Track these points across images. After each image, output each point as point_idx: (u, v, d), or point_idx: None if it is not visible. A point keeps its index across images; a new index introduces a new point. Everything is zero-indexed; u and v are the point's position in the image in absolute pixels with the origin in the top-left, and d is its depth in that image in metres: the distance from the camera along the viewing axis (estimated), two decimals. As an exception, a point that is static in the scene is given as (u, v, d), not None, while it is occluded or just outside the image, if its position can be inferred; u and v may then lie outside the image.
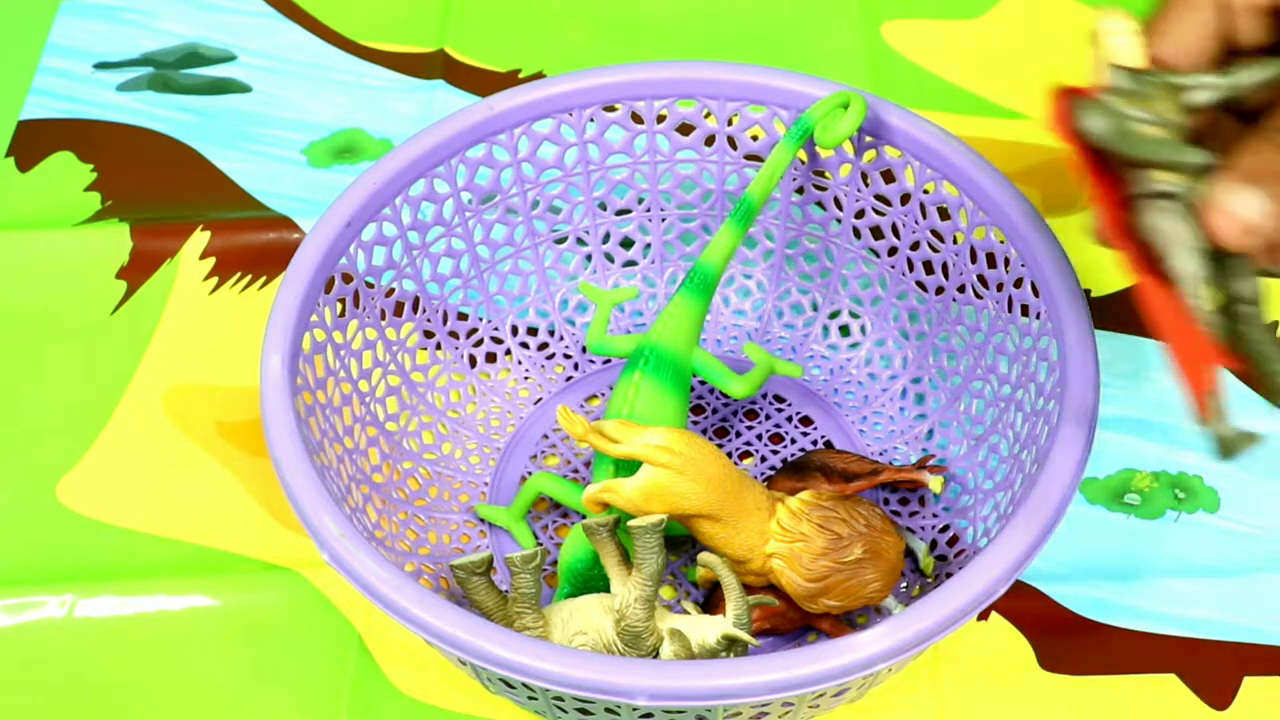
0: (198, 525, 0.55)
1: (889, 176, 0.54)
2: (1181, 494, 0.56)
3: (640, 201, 0.58)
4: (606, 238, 0.59)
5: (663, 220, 0.59)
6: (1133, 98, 0.38)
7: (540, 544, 0.54)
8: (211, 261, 0.63)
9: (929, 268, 0.55)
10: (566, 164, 0.56)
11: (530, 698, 0.45)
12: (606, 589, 0.49)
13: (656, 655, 0.46)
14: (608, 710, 0.43)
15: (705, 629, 0.46)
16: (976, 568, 0.42)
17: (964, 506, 0.52)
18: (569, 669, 0.40)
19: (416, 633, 0.41)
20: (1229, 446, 0.38)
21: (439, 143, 0.53)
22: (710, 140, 0.56)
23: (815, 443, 0.57)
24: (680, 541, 0.53)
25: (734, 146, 0.56)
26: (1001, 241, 0.50)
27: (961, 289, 0.54)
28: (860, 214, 0.56)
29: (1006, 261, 0.51)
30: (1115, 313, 0.61)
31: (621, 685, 0.39)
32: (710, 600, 0.52)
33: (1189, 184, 0.38)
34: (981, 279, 0.52)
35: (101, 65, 0.71)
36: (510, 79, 0.70)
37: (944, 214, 0.53)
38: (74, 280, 0.62)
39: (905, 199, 0.54)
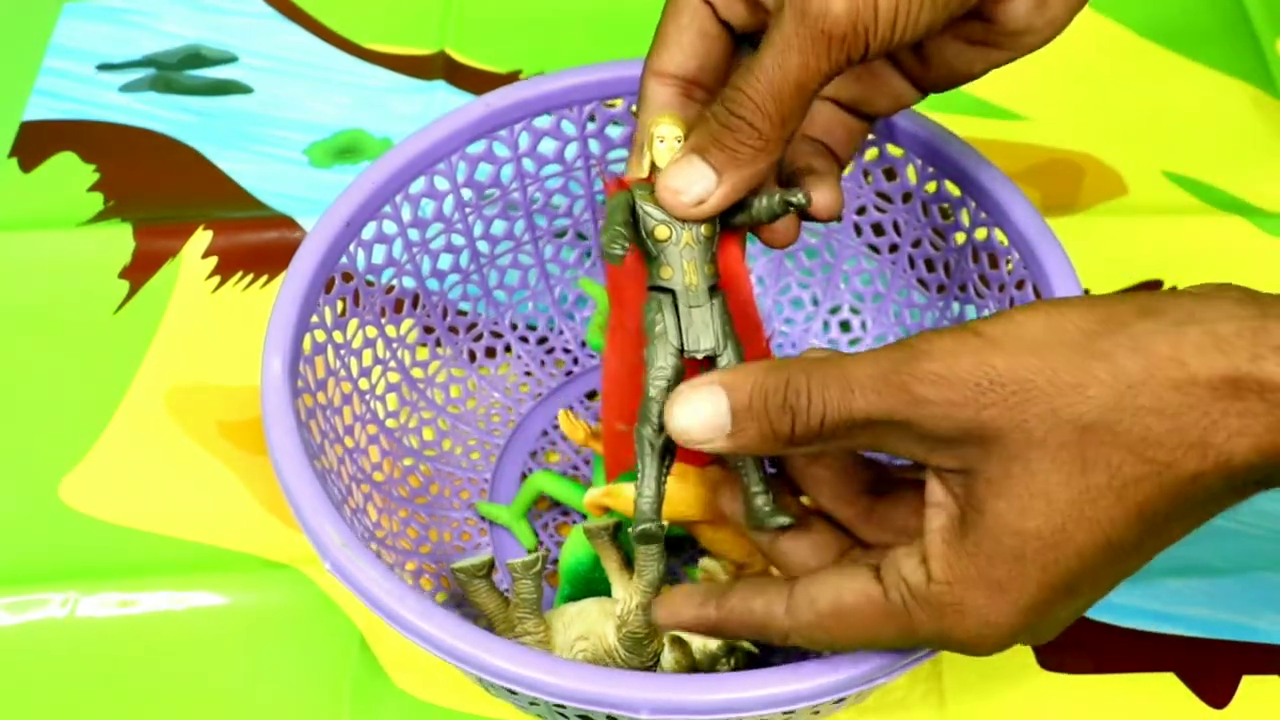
0: (199, 524, 0.55)
1: (890, 174, 0.54)
2: (1181, 493, 0.56)
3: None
4: (607, 237, 0.59)
5: (663, 220, 0.59)
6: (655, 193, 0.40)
7: (541, 542, 0.54)
8: (213, 261, 0.63)
9: (930, 266, 0.55)
10: (567, 159, 0.56)
11: (532, 703, 0.45)
12: (607, 590, 0.49)
13: (657, 660, 0.46)
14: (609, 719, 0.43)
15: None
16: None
17: (964, 505, 0.52)
18: (572, 683, 0.40)
19: (419, 644, 0.41)
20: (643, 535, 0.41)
21: (439, 140, 0.53)
22: None
23: (815, 442, 0.57)
24: (682, 545, 0.53)
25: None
26: (1003, 242, 0.50)
27: (963, 288, 0.54)
28: (861, 210, 0.56)
29: (1008, 262, 0.51)
30: (1115, 312, 0.61)
31: (625, 699, 0.39)
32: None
33: (693, 288, 0.40)
34: (983, 279, 0.52)
35: (104, 66, 0.71)
36: (511, 79, 0.70)
37: (946, 213, 0.53)
38: (76, 280, 0.63)
39: (907, 197, 0.54)
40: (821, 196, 0.42)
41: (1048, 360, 0.33)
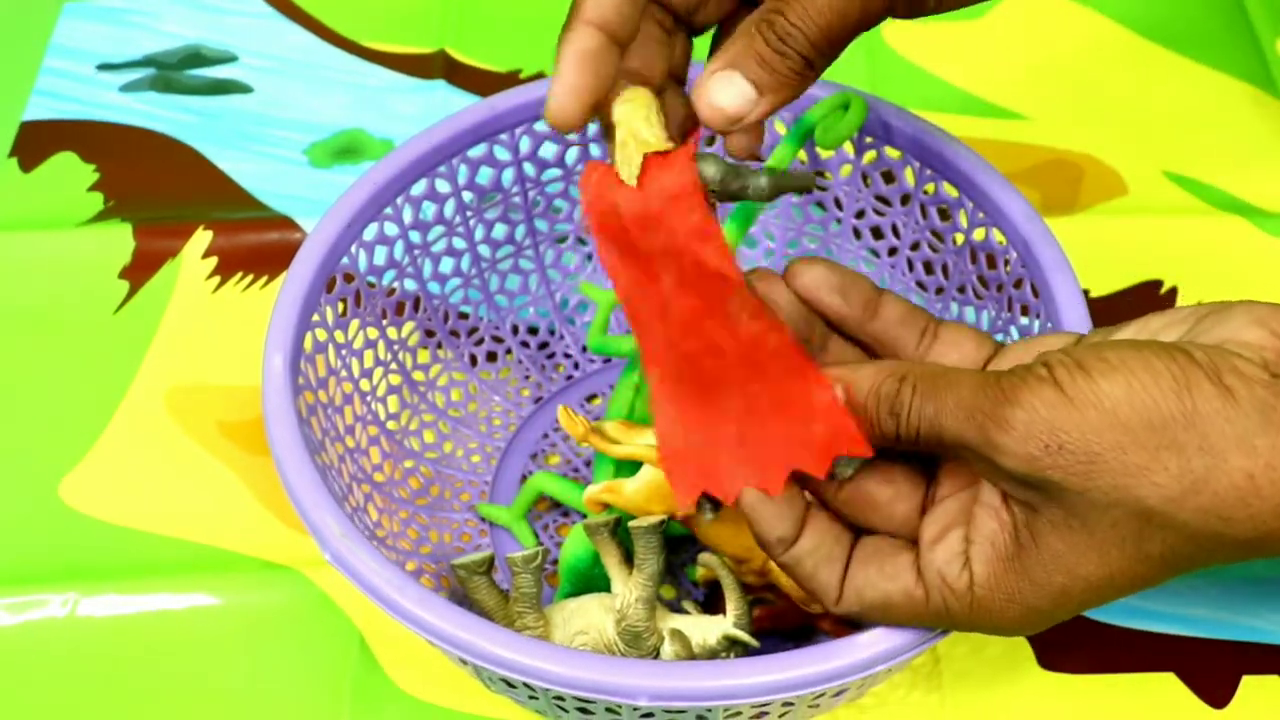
0: (200, 524, 0.55)
1: (889, 177, 0.54)
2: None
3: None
4: (607, 238, 0.59)
5: (663, 220, 0.59)
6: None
7: (541, 543, 0.54)
8: (214, 261, 0.63)
9: (929, 268, 0.55)
10: (568, 163, 0.56)
11: (531, 697, 0.45)
12: (607, 588, 0.49)
13: (657, 655, 0.46)
14: (608, 710, 0.43)
15: (706, 629, 0.46)
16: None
17: (964, 506, 0.52)
18: (570, 670, 0.40)
19: (418, 633, 0.41)
20: None
21: (440, 142, 0.53)
22: (711, 140, 0.56)
23: (815, 442, 0.57)
24: (681, 541, 0.54)
25: (734, 147, 0.56)
26: (1002, 243, 0.50)
27: (962, 289, 0.54)
28: (860, 214, 0.56)
29: (1006, 262, 0.51)
30: (1115, 313, 0.61)
31: (623, 686, 0.40)
32: (710, 600, 0.52)
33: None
34: (981, 279, 0.52)
35: (104, 66, 0.71)
36: (511, 79, 0.70)
37: (944, 214, 0.53)
38: (76, 280, 0.63)
39: (905, 199, 0.54)
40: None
41: (1119, 438, 0.34)
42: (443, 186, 0.54)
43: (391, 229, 0.53)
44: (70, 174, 0.67)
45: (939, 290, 0.55)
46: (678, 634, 0.46)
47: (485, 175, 0.55)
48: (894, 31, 0.72)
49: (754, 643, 0.46)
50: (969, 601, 0.37)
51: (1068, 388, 0.34)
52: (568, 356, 0.60)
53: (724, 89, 0.39)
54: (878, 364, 0.38)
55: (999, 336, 0.52)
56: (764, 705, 0.43)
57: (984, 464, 0.36)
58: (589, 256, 0.60)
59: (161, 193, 0.66)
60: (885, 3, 0.39)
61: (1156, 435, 0.34)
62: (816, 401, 0.38)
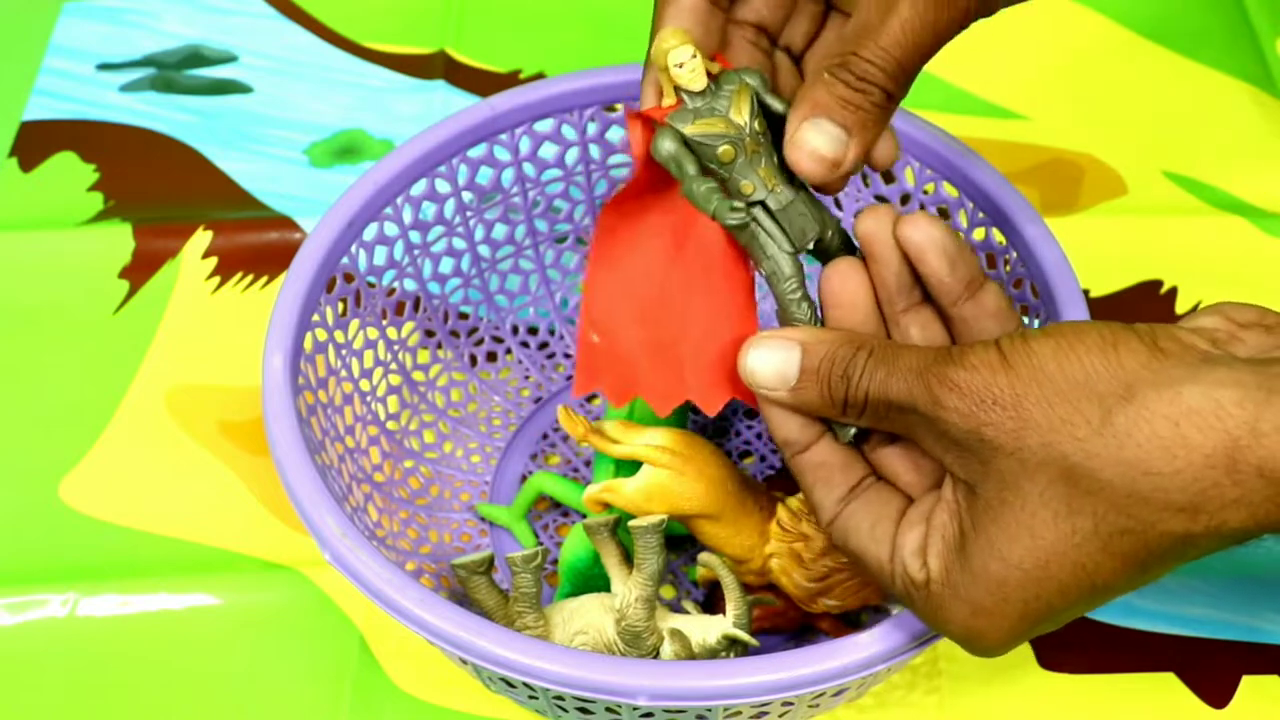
0: (200, 524, 0.55)
1: (889, 177, 0.54)
2: (1181, 494, 0.56)
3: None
4: (607, 238, 0.59)
5: (663, 220, 0.59)
6: (699, 116, 0.40)
7: (541, 543, 0.54)
8: (213, 261, 0.63)
9: (929, 268, 0.55)
10: (567, 163, 0.56)
11: (531, 697, 0.45)
12: (607, 588, 0.49)
13: (657, 655, 0.46)
14: (608, 710, 0.43)
15: (705, 629, 0.46)
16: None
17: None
18: (570, 669, 0.40)
19: (418, 632, 0.41)
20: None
21: (440, 142, 0.53)
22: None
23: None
24: (681, 541, 0.54)
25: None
26: (1001, 242, 0.50)
27: (961, 289, 0.54)
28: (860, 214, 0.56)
29: (1006, 262, 0.51)
30: (1115, 313, 0.61)
31: (622, 685, 0.40)
32: (710, 600, 0.52)
33: (776, 190, 0.41)
34: (981, 279, 0.52)
35: (104, 66, 0.71)
36: (511, 79, 0.70)
37: (944, 214, 0.53)
38: (76, 280, 0.63)
39: (905, 199, 0.54)
40: (879, 147, 0.42)
41: (1047, 392, 0.34)
42: (443, 186, 0.54)
43: (391, 229, 0.53)
44: (70, 174, 0.67)
45: (939, 290, 0.55)
46: (678, 634, 0.46)
47: (485, 175, 0.55)
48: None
49: (754, 642, 0.46)
50: (925, 596, 0.38)
51: (1008, 353, 0.35)
52: (568, 356, 0.60)
53: (817, 136, 0.39)
54: (836, 331, 0.39)
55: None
56: (764, 705, 0.43)
57: (930, 433, 0.36)
58: (588, 257, 0.60)
59: (161, 193, 0.66)
60: (958, 22, 0.39)
61: (1079, 388, 0.34)
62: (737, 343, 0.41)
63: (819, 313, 0.41)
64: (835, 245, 0.42)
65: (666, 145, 0.40)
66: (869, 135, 0.40)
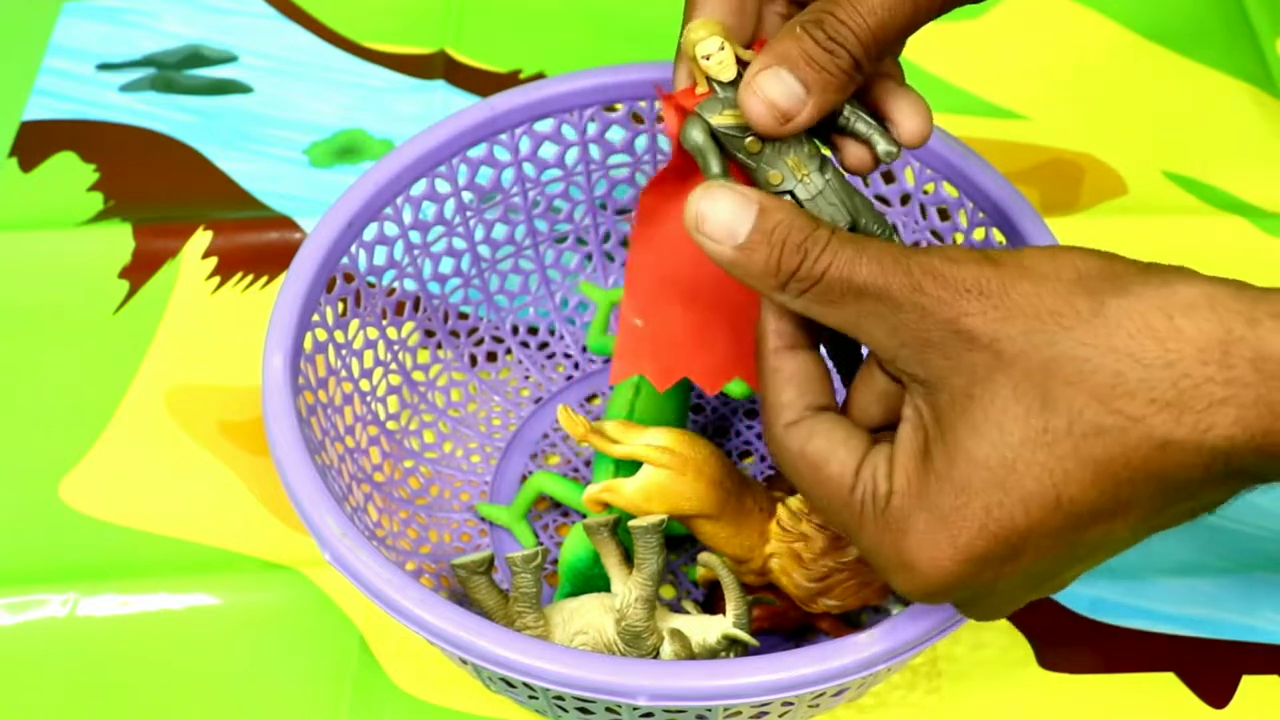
0: (200, 524, 0.55)
1: (889, 177, 0.54)
2: (1181, 494, 0.56)
3: (641, 202, 0.58)
4: (607, 237, 0.59)
5: (663, 220, 0.59)
6: (727, 106, 0.40)
7: (541, 543, 0.54)
8: (214, 261, 0.63)
9: (929, 268, 0.55)
10: (567, 164, 0.56)
11: (531, 697, 0.45)
12: (607, 588, 0.49)
13: (657, 655, 0.46)
14: (608, 710, 0.43)
15: (705, 629, 0.46)
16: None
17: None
18: (569, 669, 0.40)
19: (418, 632, 0.41)
20: None
21: (440, 142, 0.53)
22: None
23: (815, 442, 0.57)
24: (680, 541, 0.54)
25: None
26: (1001, 243, 0.50)
27: (961, 289, 0.54)
28: (860, 214, 0.56)
29: (1006, 262, 0.51)
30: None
31: (622, 685, 0.40)
32: (710, 600, 0.52)
33: (806, 179, 0.40)
34: (981, 279, 0.52)
35: (104, 66, 0.71)
36: (511, 79, 0.70)
37: (944, 214, 0.53)
38: (76, 280, 0.63)
39: (905, 199, 0.54)
40: (911, 122, 0.41)
41: (1037, 286, 0.33)
42: (443, 186, 0.54)
43: (391, 229, 0.53)
44: (70, 174, 0.67)
45: (939, 290, 0.55)
46: (678, 634, 0.46)
47: (485, 175, 0.55)
48: (894, 31, 0.72)
49: (754, 642, 0.46)
50: (883, 512, 0.35)
51: (995, 256, 0.34)
52: (568, 357, 0.60)
53: (775, 85, 0.38)
54: (799, 208, 0.37)
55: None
56: (764, 705, 0.43)
57: (884, 326, 0.34)
58: (588, 257, 0.60)
59: (161, 193, 0.66)
60: (938, 5, 0.39)
61: (1071, 284, 0.33)
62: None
63: None
64: (871, 232, 0.41)
65: (694, 136, 0.40)
66: (828, 98, 0.38)
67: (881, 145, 0.41)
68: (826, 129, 0.41)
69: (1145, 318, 0.32)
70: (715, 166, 0.40)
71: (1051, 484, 0.33)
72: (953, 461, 0.34)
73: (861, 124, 0.41)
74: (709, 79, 0.40)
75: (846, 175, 0.42)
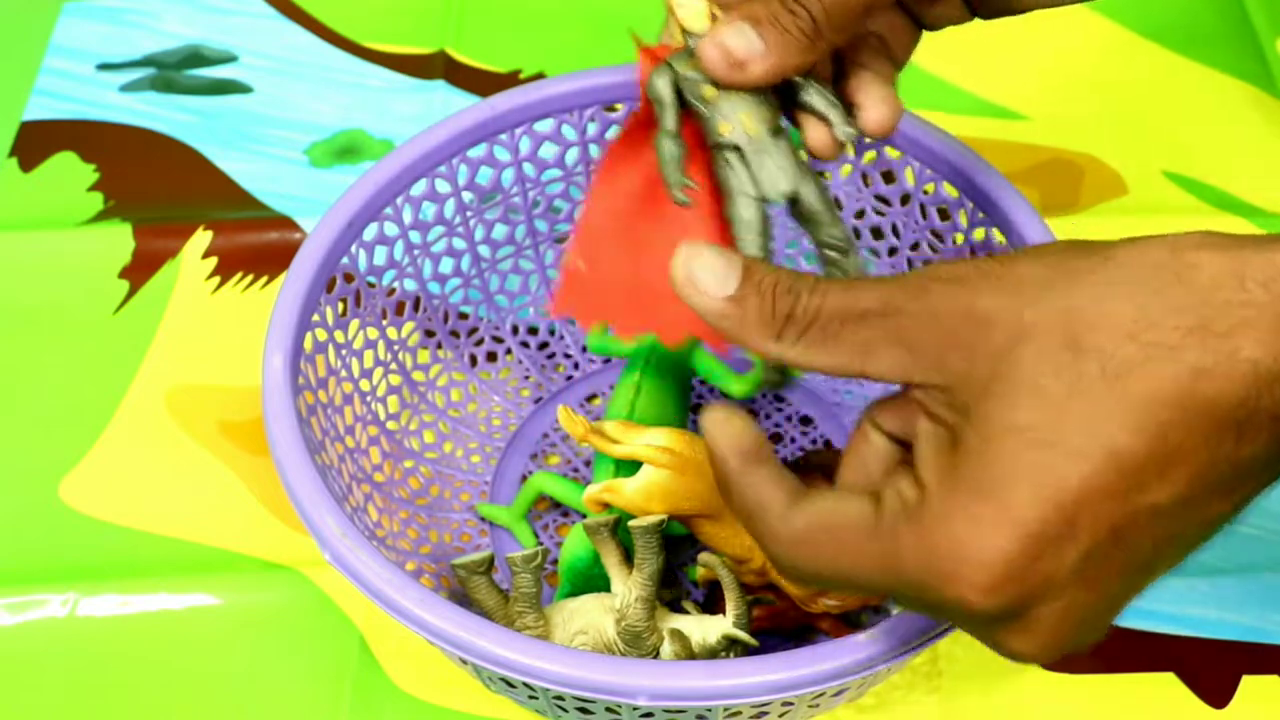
0: (200, 524, 0.55)
1: (889, 177, 0.54)
2: (1181, 494, 0.56)
3: (641, 202, 0.58)
4: (607, 238, 0.59)
5: (663, 220, 0.59)
6: (694, 55, 0.41)
7: (541, 543, 0.54)
8: (213, 261, 0.63)
9: (929, 268, 0.55)
10: (567, 164, 0.56)
11: (531, 697, 0.45)
12: (607, 588, 0.49)
13: (657, 655, 0.46)
14: (608, 710, 0.43)
15: (705, 629, 0.46)
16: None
17: (964, 506, 0.52)
18: (569, 669, 0.40)
19: (418, 632, 0.41)
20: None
21: (440, 142, 0.53)
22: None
23: (815, 442, 0.57)
24: (680, 541, 0.54)
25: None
26: (1001, 242, 0.50)
27: (961, 289, 0.54)
28: (860, 214, 0.56)
29: (1006, 262, 0.51)
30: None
31: (622, 685, 0.40)
32: (710, 600, 0.52)
33: (755, 136, 0.41)
34: (981, 279, 0.52)
35: (104, 66, 0.71)
36: (511, 79, 0.70)
37: (944, 214, 0.53)
38: (76, 280, 0.63)
39: (905, 199, 0.54)
40: (876, 111, 0.42)
41: (1038, 256, 0.33)
42: (443, 187, 0.54)
43: (391, 229, 0.53)
44: (70, 174, 0.67)
45: (939, 290, 0.55)
46: (678, 634, 0.46)
47: (485, 175, 0.55)
48: (894, 31, 0.72)
49: (754, 642, 0.46)
50: (919, 518, 0.32)
51: (992, 257, 0.34)
52: (568, 356, 0.60)
53: (733, 34, 0.39)
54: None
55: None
56: (764, 705, 0.43)
57: (898, 345, 0.33)
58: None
59: (161, 193, 0.66)
60: None
61: (1070, 248, 0.33)
62: None
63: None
64: (816, 208, 0.41)
65: (657, 84, 0.41)
66: (786, 58, 0.39)
67: (840, 125, 0.41)
68: (790, 104, 0.42)
69: (1155, 256, 0.32)
70: (670, 121, 0.41)
71: (1095, 434, 0.31)
72: (988, 437, 0.32)
73: (821, 101, 0.41)
74: (683, 31, 0.41)
75: (811, 162, 0.42)
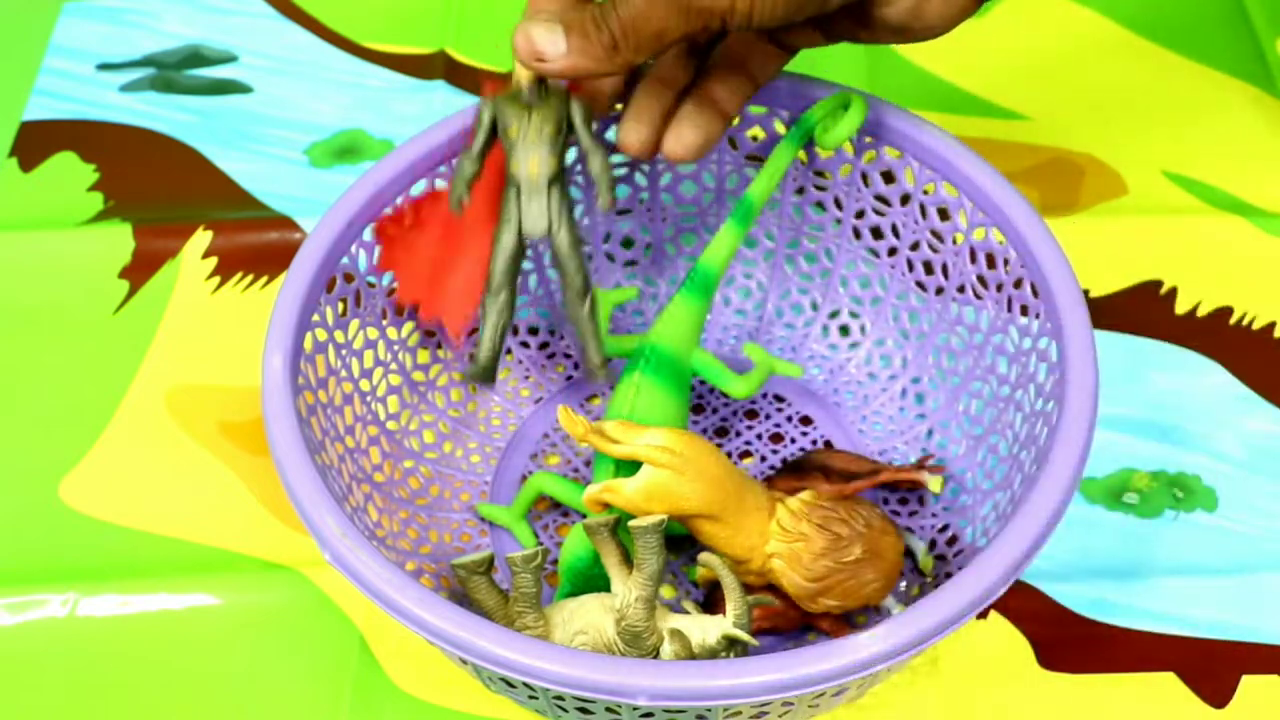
0: (200, 524, 0.55)
1: (889, 177, 0.54)
2: (1180, 493, 0.56)
3: (640, 201, 0.58)
4: (607, 237, 0.59)
5: (663, 220, 0.59)
6: (514, 103, 0.47)
7: (541, 543, 0.54)
8: (213, 261, 0.63)
9: (929, 268, 0.55)
10: (567, 164, 0.56)
11: (531, 697, 0.45)
12: (607, 588, 0.49)
13: (657, 655, 0.46)
14: (608, 710, 0.43)
15: (705, 629, 0.46)
16: (976, 567, 0.42)
17: (963, 506, 0.52)
18: (569, 669, 0.40)
19: (418, 632, 0.41)
20: (478, 374, 0.50)
21: (440, 142, 0.53)
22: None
23: (815, 442, 0.57)
24: (681, 541, 0.54)
25: (734, 146, 0.56)
26: (1001, 242, 0.50)
27: (961, 289, 0.54)
28: (860, 214, 0.56)
29: (1006, 262, 0.51)
30: (1115, 313, 0.61)
31: (622, 685, 0.40)
32: (710, 600, 0.52)
33: (533, 180, 0.47)
34: (981, 279, 0.52)
35: (104, 66, 0.71)
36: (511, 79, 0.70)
37: (944, 214, 0.53)
38: (76, 280, 0.63)
39: (905, 199, 0.54)
40: (679, 137, 0.49)
41: None
42: (443, 186, 0.54)
43: (391, 229, 0.53)
44: (70, 174, 0.67)
45: (939, 290, 0.55)
46: (678, 634, 0.46)
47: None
48: (894, 31, 0.72)
49: (754, 642, 0.46)
50: None
51: None
52: (568, 356, 0.60)
53: (543, 30, 0.44)
54: None
55: (998, 337, 0.52)
56: (764, 705, 0.43)
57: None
58: (588, 256, 0.60)
59: (161, 193, 0.66)
60: (696, 27, 0.43)
61: None
62: None
63: (515, 298, 0.49)
64: (563, 255, 0.48)
65: (480, 113, 0.47)
66: (584, 63, 0.44)
67: (602, 197, 0.48)
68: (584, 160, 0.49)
69: None
70: (476, 145, 0.47)
71: None
72: None
73: (594, 169, 0.48)
74: (516, 79, 0.47)
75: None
